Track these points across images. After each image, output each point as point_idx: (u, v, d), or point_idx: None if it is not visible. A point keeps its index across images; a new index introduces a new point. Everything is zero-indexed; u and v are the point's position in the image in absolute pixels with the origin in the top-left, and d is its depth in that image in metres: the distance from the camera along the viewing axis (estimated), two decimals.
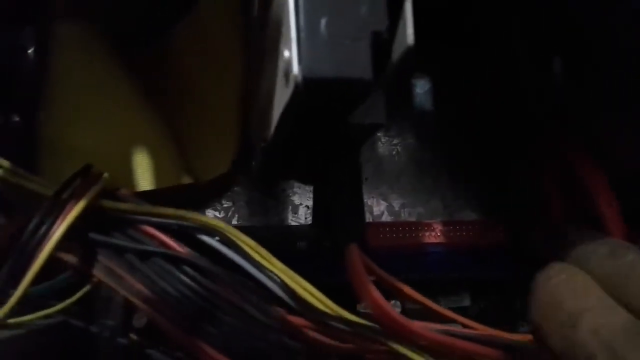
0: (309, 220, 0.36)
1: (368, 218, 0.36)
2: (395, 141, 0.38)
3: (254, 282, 0.21)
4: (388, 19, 0.15)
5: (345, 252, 0.23)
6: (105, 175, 0.21)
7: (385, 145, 0.38)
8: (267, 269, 0.21)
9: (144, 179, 0.26)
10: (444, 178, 0.37)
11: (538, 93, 0.33)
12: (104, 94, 0.26)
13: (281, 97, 0.17)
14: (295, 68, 0.14)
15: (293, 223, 0.36)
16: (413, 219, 0.37)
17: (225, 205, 0.35)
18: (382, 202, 0.37)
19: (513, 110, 0.35)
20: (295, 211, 0.36)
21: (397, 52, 0.16)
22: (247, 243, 0.21)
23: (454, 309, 0.31)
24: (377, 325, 0.21)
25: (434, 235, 0.32)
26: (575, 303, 0.19)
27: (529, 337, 0.22)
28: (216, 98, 0.28)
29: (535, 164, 0.31)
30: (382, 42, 0.15)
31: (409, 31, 0.15)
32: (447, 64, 0.36)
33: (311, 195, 0.36)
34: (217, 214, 0.35)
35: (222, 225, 0.21)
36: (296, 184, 0.36)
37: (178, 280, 0.20)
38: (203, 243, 0.21)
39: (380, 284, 0.24)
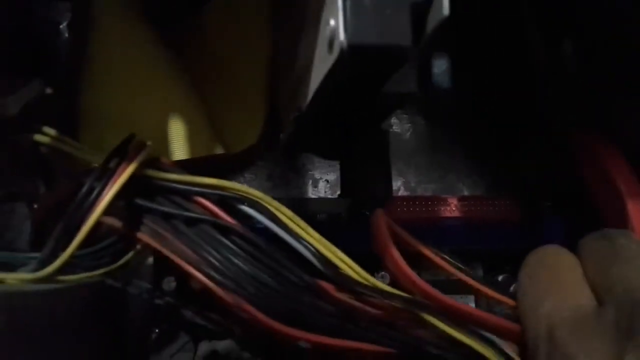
0: (329, 194, 0.37)
1: None
2: (412, 119, 0.39)
3: (290, 251, 0.22)
4: None
5: (372, 217, 0.24)
6: (149, 143, 0.22)
7: (402, 123, 0.39)
8: (303, 238, 0.22)
9: (180, 148, 0.27)
10: (458, 155, 0.38)
11: (548, 72, 0.34)
12: (141, 67, 0.27)
13: (322, 65, 0.18)
14: (342, 35, 0.15)
15: (313, 196, 0.37)
16: (428, 194, 0.38)
17: (247, 178, 0.37)
18: (399, 178, 0.38)
19: (524, 89, 0.35)
20: (315, 185, 0.37)
21: (432, 22, 0.17)
22: (285, 214, 0.22)
23: None
24: (407, 295, 0.22)
25: (449, 210, 0.33)
26: (545, 285, 0.20)
27: None
28: (245, 73, 0.29)
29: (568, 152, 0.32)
30: (420, 13, 0.16)
31: (445, 3, 0.16)
32: (464, 43, 0.37)
33: (330, 170, 0.37)
34: None
35: (261, 196, 0.22)
36: (316, 159, 0.37)
37: (223, 245, 0.21)
38: (241, 211, 0.22)
39: (406, 250, 0.25)
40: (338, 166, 0.37)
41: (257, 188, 0.36)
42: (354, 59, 0.16)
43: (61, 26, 0.33)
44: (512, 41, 0.35)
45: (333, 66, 0.16)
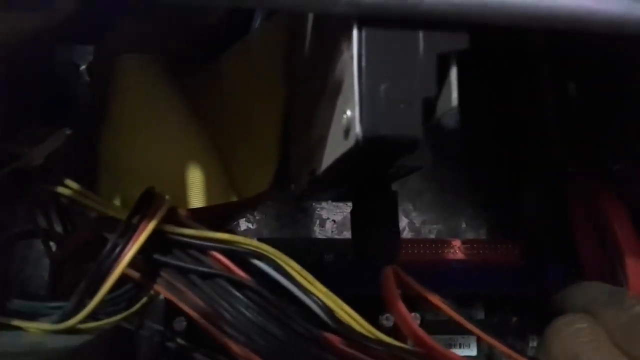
0: (335, 234, 0.38)
1: None
2: None
3: (298, 303, 0.23)
4: (437, 86, 0.17)
5: (382, 274, 0.25)
6: (168, 198, 0.23)
7: None
8: (310, 292, 0.23)
9: (196, 197, 0.28)
10: (463, 197, 0.39)
11: (556, 114, 0.35)
12: (159, 117, 0.28)
13: (337, 146, 0.19)
14: (357, 127, 0.17)
15: (320, 236, 0.38)
16: (432, 235, 0.39)
17: (257, 218, 0.38)
18: (404, 218, 0.39)
19: (531, 131, 0.36)
20: (322, 225, 0.39)
21: (441, 109, 0.18)
22: (294, 268, 0.23)
23: None
24: (410, 347, 0.23)
25: (452, 252, 0.34)
26: (589, 357, 0.21)
27: None
28: (259, 122, 0.30)
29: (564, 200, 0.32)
30: (430, 103, 0.18)
31: (453, 95, 0.18)
32: (471, 86, 0.39)
33: (337, 211, 0.38)
34: (250, 225, 0.38)
35: (271, 250, 0.23)
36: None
37: (236, 298, 0.22)
38: (252, 265, 0.23)
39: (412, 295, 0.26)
40: (345, 207, 0.38)
41: (266, 227, 0.38)
42: (368, 148, 0.17)
43: (81, 69, 0.34)
44: (520, 84, 0.37)
45: (348, 150, 0.18)
